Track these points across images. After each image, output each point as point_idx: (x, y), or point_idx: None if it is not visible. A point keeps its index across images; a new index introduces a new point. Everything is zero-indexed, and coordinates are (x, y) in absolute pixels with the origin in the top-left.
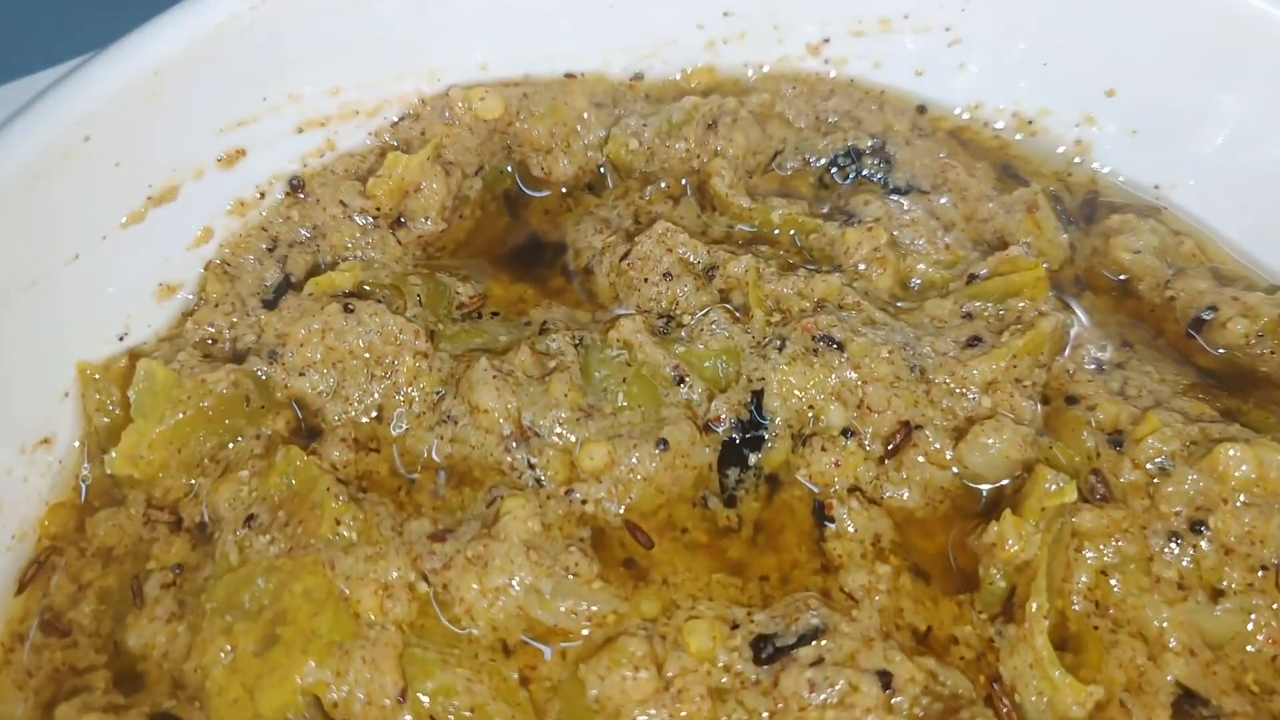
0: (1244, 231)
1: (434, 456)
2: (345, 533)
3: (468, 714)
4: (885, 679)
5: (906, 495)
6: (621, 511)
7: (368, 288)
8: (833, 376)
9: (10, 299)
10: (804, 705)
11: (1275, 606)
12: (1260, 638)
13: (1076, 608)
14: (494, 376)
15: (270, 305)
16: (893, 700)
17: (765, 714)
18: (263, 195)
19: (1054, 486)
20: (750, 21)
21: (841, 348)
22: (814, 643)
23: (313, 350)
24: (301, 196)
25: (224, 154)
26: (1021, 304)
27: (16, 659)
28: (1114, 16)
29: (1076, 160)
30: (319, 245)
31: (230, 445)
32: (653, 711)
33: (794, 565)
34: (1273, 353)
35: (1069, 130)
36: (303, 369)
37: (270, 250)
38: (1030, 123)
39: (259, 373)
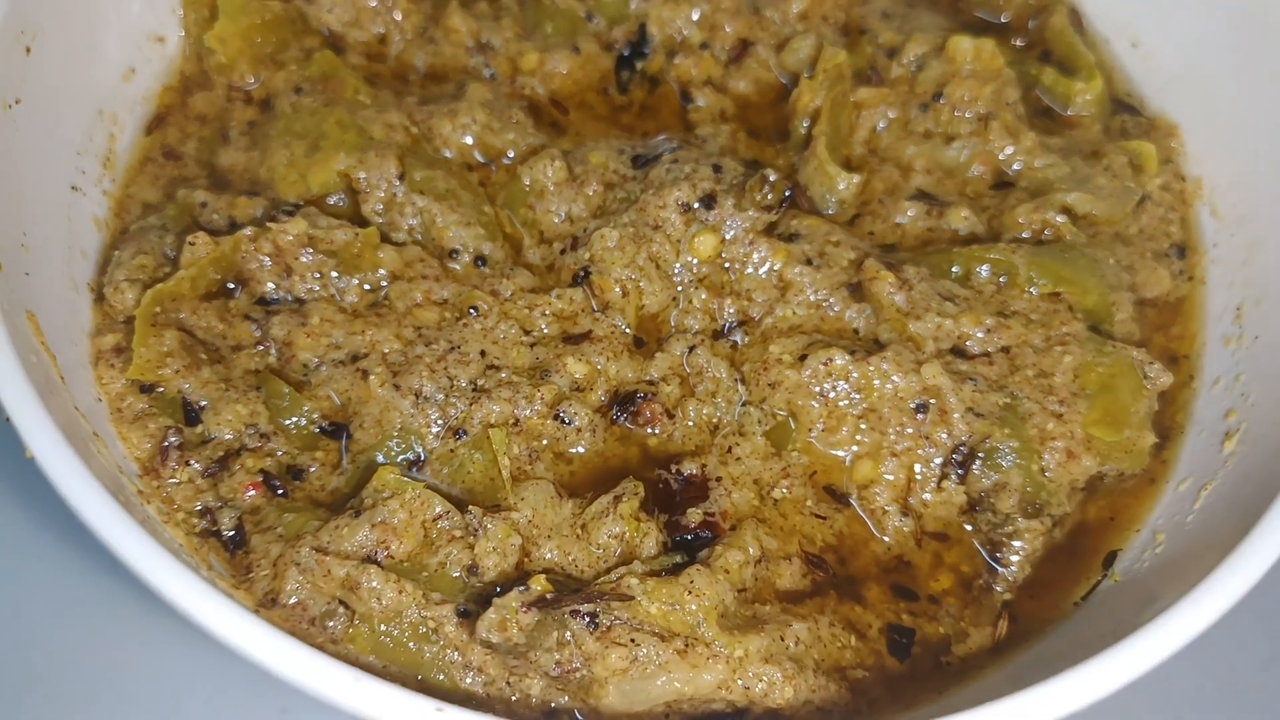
0: None
1: (420, 65)
2: (362, 99)
3: (444, 191)
4: (717, 169)
5: (744, 86)
6: (549, 91)
7: None
8: (693, 10)
9: None
10: (661, 182)
11: (986, 146)
12: (976, 165)
13: (857, 152)
14: (461, 9)
15: None
16: (719, 177)
17: (639, 191)
18: None
19: (830, 54)
20: None
21: None
22: (672, 153)
23: None
24: None
25: None
26: None
27: (149, 170)
28: None
29: None
30: None
31: (283, 52)
32: (565, 192)
33: (666, 128)
34: (1007, 3)
35: None
36: (330, 7)
37: None
38: None
39: (301, 7)
